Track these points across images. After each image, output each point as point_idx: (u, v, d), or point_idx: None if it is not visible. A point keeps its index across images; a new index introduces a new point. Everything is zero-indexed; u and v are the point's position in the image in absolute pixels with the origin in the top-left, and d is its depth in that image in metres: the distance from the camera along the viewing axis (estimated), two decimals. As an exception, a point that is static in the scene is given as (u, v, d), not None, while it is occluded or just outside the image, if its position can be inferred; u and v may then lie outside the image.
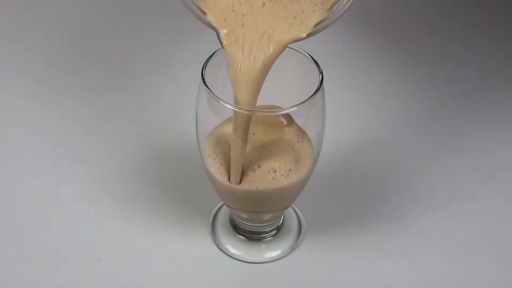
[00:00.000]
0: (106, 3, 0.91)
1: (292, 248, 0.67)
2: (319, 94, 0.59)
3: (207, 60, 0.60)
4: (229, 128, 0.60)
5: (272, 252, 0.67)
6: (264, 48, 0.56)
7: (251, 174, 0.60)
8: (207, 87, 0.58)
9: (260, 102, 0.59)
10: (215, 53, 0.60)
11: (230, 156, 0.60)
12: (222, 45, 0.57)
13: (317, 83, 0.59)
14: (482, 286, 0.65)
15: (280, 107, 0.62)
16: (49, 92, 0.80)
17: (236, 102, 0.57)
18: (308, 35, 0.56)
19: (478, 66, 0.84)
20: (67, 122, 0.77)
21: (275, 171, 0.60)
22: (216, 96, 0.58)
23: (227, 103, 0.57)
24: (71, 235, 0.67)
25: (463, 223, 0.69)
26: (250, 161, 0.60)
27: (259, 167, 0.60)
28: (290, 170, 0.60)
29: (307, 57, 0.60)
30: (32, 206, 0.69)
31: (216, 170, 0.61)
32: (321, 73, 0.59)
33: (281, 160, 0.60)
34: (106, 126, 0.76)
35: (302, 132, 0.61)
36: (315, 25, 0.56)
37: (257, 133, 0.60)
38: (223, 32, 0.57)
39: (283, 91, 0.62)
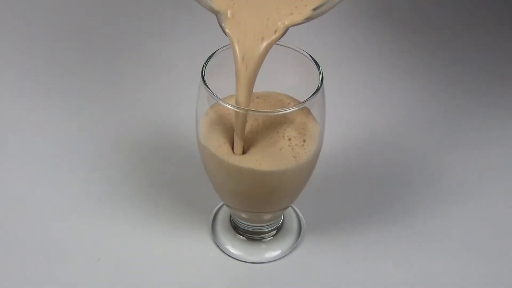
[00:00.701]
0: (106, 1, 0.91)
1: (292, 248, 0.67)
2: (319, 94, 0.59)
3: (207, 60, 0.60)
4: (225, 109, 0.60)
5: (272, 252, 0.67)
6: (265, 32, 0.56)
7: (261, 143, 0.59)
8: (207, 87, 0.58)
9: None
10: (215, 53, 0.60)
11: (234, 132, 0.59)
12: (223, 30, 0.57)
13: (317, 83, 0.59)
14: (482, 286, 0.65)
15: (276, 92, 0.63)
16: (49, 91, 0.80)
17: (236, 86, 0.57)
18: (307, 19, 0.56)
19: (479, 65, 0.84)
20: (67, 122, 0.77)
21: (289, 139, 0.60)
22: (216, 96, 0.58)
23: (227, 103, 0.57)
24: (71, 235, 0.67)
25: (464, 223, 0.69)
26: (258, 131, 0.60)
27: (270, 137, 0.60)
28: (304, 141, 0.60)
29: (307, 57, 0.60)
30: (32, 206, 0.69)
31: (220, 150, 0.60)
32: (321, 73, 0.59)
33: (295, 130, 0.60)
34: (106, 126, 0.76)
35: (306, 108, 0.61)
36: (314, 9, 0.56)
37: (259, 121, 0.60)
38: (226, 15, 0.57)
39: (283, 91, 0.62)
